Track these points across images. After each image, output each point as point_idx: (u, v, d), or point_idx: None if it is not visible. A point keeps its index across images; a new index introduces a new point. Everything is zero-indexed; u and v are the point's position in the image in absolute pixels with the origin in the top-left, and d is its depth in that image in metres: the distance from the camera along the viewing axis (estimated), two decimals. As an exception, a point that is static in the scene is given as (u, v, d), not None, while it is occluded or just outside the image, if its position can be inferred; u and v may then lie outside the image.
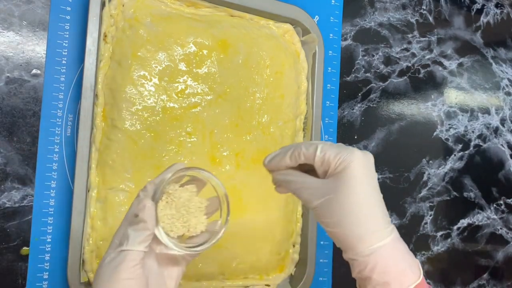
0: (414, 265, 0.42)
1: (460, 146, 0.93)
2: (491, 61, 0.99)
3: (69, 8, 0.62)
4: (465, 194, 0.93)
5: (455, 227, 0.92)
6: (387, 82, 0.86)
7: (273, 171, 0.48)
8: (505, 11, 1.01)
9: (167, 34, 0.63)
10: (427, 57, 0.90)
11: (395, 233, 0.42)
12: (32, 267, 0.59)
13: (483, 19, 0.98)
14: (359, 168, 0.42)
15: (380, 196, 0.43)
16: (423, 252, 0.88)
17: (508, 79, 1.00)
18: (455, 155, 0.93)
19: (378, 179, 0.84)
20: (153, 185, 0.43)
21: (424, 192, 0.88)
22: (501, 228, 0.97)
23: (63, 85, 0.62)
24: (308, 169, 0.46)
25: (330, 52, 0.79)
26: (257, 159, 0.68)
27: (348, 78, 0.82)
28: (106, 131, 0.60)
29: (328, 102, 0.79)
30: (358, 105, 0.83)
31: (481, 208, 0.95)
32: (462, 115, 0.94)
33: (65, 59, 0.62)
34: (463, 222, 0.93)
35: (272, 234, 0.69)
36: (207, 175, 0.46)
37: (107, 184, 0.60)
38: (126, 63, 0.61)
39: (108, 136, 0.60)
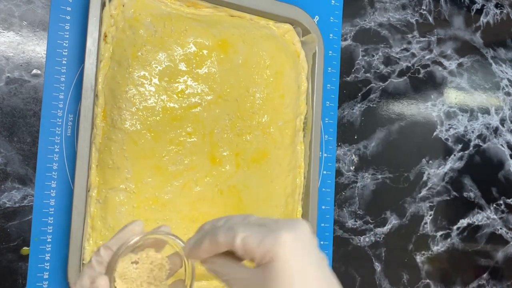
0: None
1: (460, 146, 0.93)
2: (491, 61, 0.99)
3: (69, 8, 0.62)
4: (465, 194, 0.93)
5: (455, 227, 0.92)
6: (387, 82, 0.86)
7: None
8: (505, 11, 1.01)
9: (167, 34, 0.63)
10: (427, 57, 0.90)
11: None
12: (32, 267, 0.59)
13: (483, 19, 0.98)
14: (288, 259, 0.34)
15: (324, 273, 0.35)
16: (423, 252, 0.88)
17: (508, 79, 1.00)
18: (455, 155, 0.93)
19: (378, 179, 0.85)
20: (109, 251, 0.39)
21: (424, 192, 0.88)
22: (501, 228, 0.97)
23: (63, 85, 0.62)
24: None
25: (330, 52, 0.79)
26: (257, 159, 0.68)
27: (348, 78, 0.82)
28: (107, 131, 0.60)
29: (328, 102, 0.79)
30: (358, 105, 0.83)
31: (481, 208, 0.95)
32: (462, 115, 0.94)
33: (65, 59, 0.62)
34: (463, 222, 0.93)
35: (272, 234, 0.69)
36: (168, 238, 0.42)
37: (107, 184, 0.60)
38: (126, 63, 0.61)
39: (109, 136, 0.60)
